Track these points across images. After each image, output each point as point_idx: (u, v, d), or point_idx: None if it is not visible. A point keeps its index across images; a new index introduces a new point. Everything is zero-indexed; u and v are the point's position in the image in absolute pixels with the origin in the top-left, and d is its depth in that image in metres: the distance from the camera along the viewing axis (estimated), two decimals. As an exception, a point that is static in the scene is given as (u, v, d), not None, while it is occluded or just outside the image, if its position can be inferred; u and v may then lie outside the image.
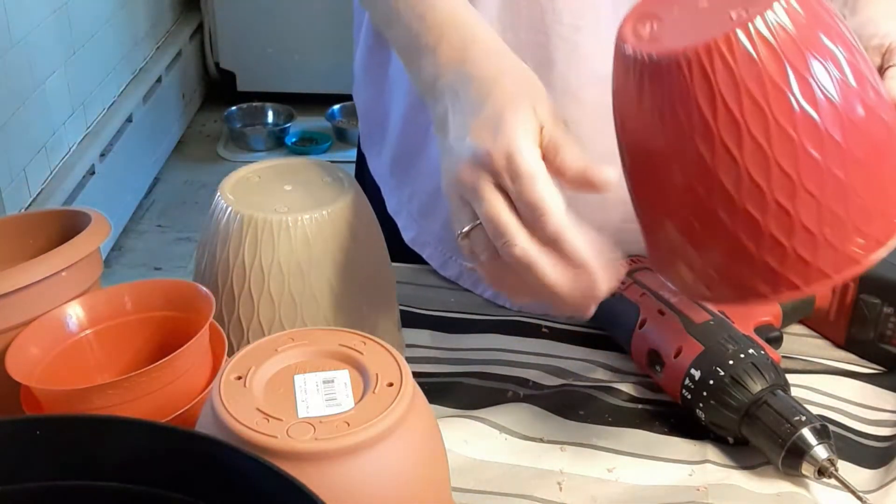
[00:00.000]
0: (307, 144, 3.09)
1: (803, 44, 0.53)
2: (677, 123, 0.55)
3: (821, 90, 0.53)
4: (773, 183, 0.53)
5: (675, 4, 0.59)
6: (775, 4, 0.53)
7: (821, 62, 0.53)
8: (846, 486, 0.64)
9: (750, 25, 0.52)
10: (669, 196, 0.58)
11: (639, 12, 0.59)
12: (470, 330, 0.84)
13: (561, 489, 0.67)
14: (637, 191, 0.62)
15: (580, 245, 0.56)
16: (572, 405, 0.74)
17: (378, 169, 0.96)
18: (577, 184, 0.59)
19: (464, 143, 0.60)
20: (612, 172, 0.58)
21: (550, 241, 0.56)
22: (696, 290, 0.62)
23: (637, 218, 0.63)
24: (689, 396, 0.71)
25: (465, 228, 0.60)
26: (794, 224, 0.54)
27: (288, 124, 3.15)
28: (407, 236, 0.92)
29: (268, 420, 0.49)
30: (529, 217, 0.56)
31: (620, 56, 0.58)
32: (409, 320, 0.84)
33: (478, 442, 0.70)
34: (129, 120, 2.70)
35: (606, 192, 0.57)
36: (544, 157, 0.58)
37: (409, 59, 0.69)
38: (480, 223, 0.58)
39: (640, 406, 0.75)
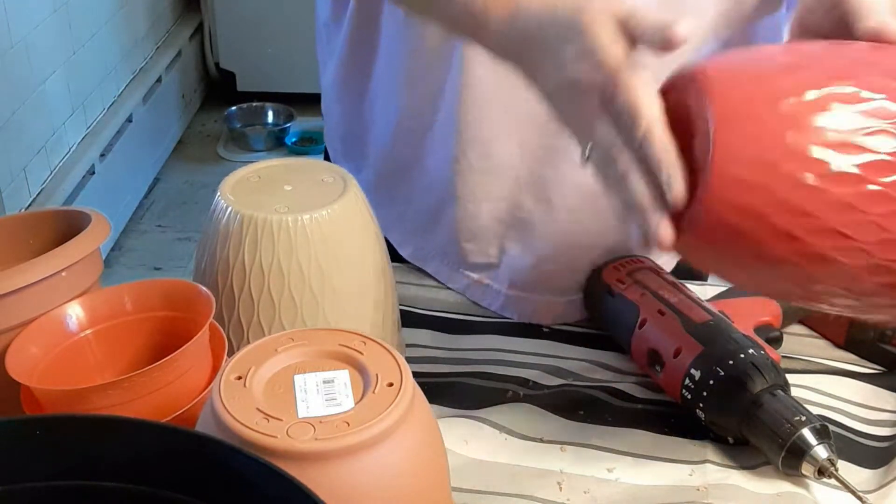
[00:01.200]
0: (307, 144, 3.09)
1: None
2: None
3: None
4: None
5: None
6: None
7: None
8: (846, 486, 0.64)
9: None
10: None
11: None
12: (470, 330, 0.84)
13: (561, 489, 0.67)
14: None
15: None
16: (572, 405, 0.74)
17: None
18: (657, 44, 0.56)
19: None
20: (687, 24, 0.55)
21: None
22: None
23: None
24: (689, 396, 0.71)
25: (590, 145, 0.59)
26: None
27: (288, 124, 3.14)
28: (404, 252, 0.91)
29: (268, 420, 0.49)
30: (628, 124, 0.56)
31: None
32: (409, 320, 0.84)
33: (478, 442, 0.70)
34: (129, 120, 2.70)
35: (684, 45, 0.55)
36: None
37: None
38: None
39: (640, 406, 0.75)
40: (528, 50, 0.61)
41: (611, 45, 0.56)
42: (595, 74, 0.57)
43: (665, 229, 0.55)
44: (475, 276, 0.87)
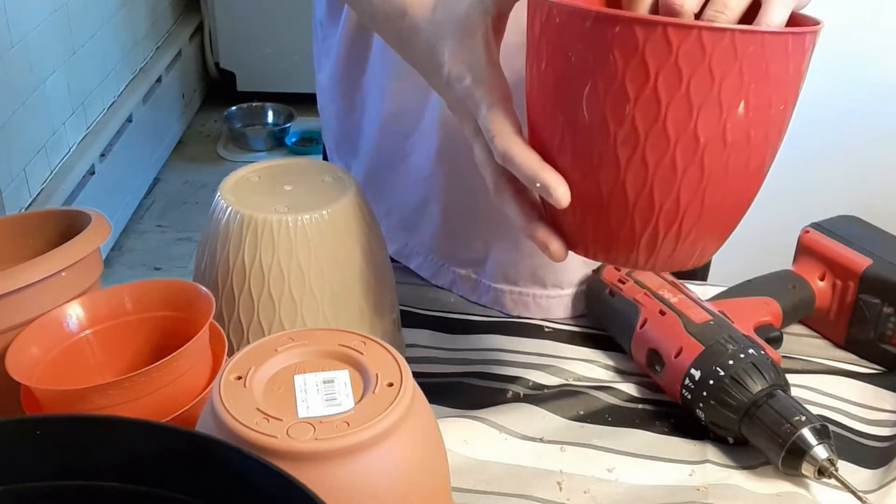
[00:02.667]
0: (307, 144, 3.09)
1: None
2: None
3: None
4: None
5: None
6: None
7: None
8: (846, 486, 0.64)
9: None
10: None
11: None
12: (470, 330, 0.84)
13: (561, 489, 0.67)
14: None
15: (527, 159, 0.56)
16: (572, 405, 0.74)
17: None
18: None
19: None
20: None
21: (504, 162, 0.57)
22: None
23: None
24: (689, 396, 0.71)
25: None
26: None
27: (288, 124, 3.15)
28: (390, 249, 0.91)
29: (268, 420, 0.49)
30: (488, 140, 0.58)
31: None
32: (409, 320, 0.84)
33: (478, 442, 0.70)
34: (129, 120, 2.70)
35: None
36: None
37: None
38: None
39: (640, 406, 0.75)
40: (423, 72, 0.65)
41: (471, 66, 0.58)
42: (460, 99, 0.60)
43: (553, 244, 0.58)
44: (462, 271, 0.87)
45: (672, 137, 0.52)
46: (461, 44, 0.59)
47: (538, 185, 0.55)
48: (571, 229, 0.59)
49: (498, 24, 0.59)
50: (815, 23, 0.54)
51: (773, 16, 0.52)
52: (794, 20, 0.55)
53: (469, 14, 0.59)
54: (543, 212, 0.60)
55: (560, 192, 0.55)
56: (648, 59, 0.50)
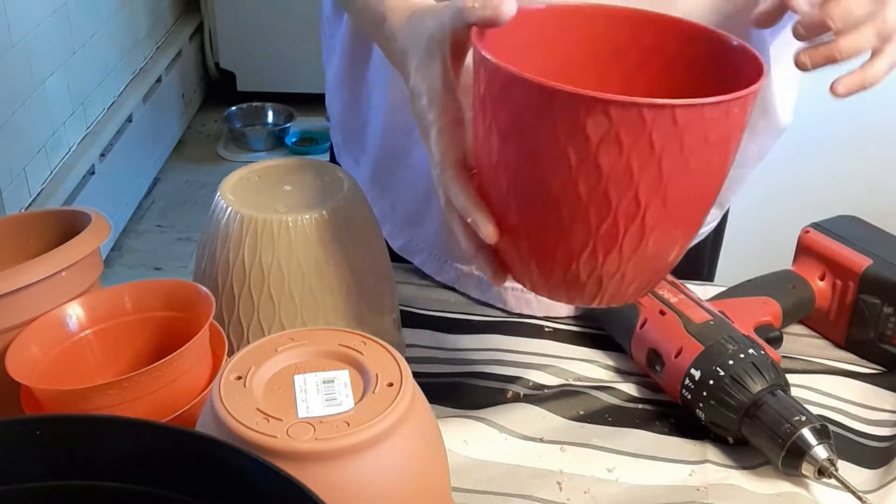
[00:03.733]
0: (307, 144, 3.09)
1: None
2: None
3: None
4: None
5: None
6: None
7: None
8: (846, 486, 0.64)
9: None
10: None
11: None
12: (470, 330, 0.84)
13: (561, 489, 0.67)
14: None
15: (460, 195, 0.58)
16: (572, 405, 0.74)
17: (356, 179, 0.95)
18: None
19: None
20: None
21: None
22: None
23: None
24: (689, 396, 0.71)
25: None
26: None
27: (288, 124, 3.15)
28: (395, 244, 0.91)
29: (268, 420, 0.49)
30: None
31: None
32: (409, 320, 0.84)
33: (478, 442, 0.70)
34: (129, 120, 2.70)
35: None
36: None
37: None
38: None
39: (640, 406, 0.75)
40: (401, 75, 0.65)
41: (429, 87, 0.59)
42: (417, 116, 0.61)
43: (489, 272, 0.61)
44: (465, 268, 0.87)
45: (613, 201, 0.53)
46: (423, 63, 0.60)
47: (469, 220, 0.58)
48: (514, 262, 0.60)
49: (457, 50, 0.59)
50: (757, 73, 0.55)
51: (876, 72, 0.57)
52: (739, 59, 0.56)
53: (431, 36, 0.60)
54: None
55: (487, 231, 0.57)
56: (589, 130, 0.51)
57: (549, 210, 0.55)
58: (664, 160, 0.51)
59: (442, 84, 0.59)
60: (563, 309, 0.86)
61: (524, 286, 0.62)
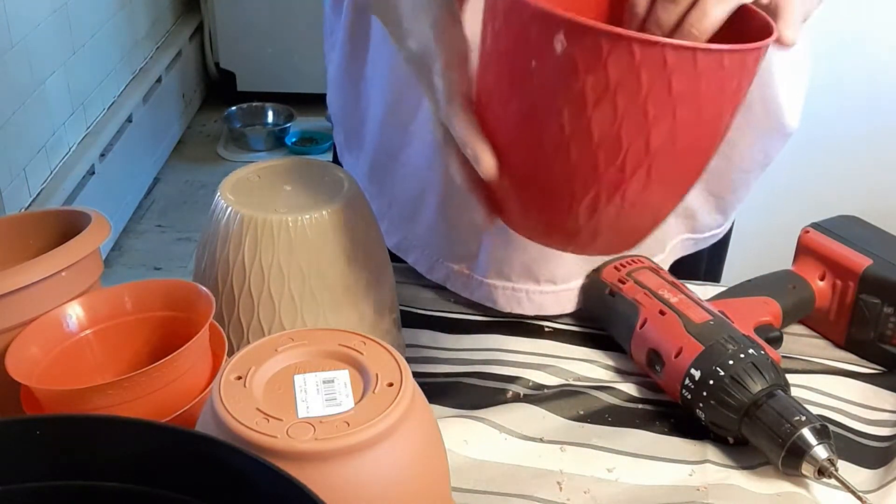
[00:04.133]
0: (307, 144, 3.09)
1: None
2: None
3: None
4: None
5: None
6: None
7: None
8: (846, 486, 0.64)
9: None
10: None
11: None
12: (470, 330, 0.84)
13: (561, 489, 0.67)
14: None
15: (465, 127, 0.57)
16: (572, 405, 0.74)
17: (356, 177, 0.95)
18: None
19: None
20: None
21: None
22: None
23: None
24: (689, 396, 0.71)
25: None
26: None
27: (288, 124, 3.15)
28: (390, 242, 0.90)
29: (268, 420, 0.49)
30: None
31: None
32: (409, 320, 0.84)
33: (478, 442, 0.70)
34: (129, 120, 2.70)
35: None
36: None
37: None
38: None
39: (640, 406, 0.75)
40: (385, 23, 0.65)
41: (434, 22, 0.58)
42: (416, 53, 0.60)
43: (483, 213, 0.60)
44: (455, 266, 0.87)
45: (625, 144, 0.52)
46: None
47: (468, 151, 0.57)
48: (511, 204, 0.59)
49: None
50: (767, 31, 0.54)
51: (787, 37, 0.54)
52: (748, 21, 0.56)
53: None
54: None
55: (486, 164, 0.56)
56: (610, 69, 0.50)
57: (557, 151, 0.54)
58: (679, 106, 0.51)
59: (448, 15, 0.58)
60: (555, 307, 0.85)
61: (516, 230, 0.61)
